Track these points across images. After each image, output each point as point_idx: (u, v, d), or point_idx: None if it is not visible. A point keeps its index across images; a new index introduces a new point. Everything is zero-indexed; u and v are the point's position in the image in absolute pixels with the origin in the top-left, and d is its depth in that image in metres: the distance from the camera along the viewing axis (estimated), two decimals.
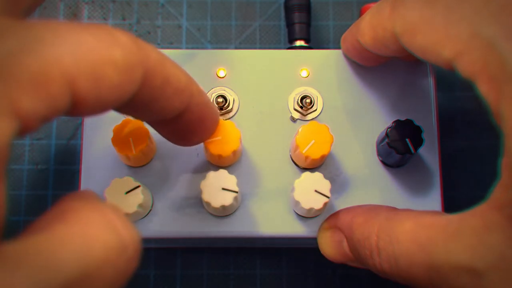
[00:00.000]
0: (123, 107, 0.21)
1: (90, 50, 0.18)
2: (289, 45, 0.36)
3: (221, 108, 0.31)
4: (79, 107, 0.18)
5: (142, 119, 0.24)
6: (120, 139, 0.29)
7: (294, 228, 0.30)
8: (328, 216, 0.29)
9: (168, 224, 0.30)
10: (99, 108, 0.19)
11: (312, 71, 0.32)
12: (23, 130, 0.16)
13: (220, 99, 0.31)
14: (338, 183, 0.31)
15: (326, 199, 0.28)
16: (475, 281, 0.21)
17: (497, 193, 0.21)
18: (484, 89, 0.21)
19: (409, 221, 0.24)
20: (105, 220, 0.18)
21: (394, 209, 0.27)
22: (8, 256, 0.15)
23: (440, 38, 0.22)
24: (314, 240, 0.30)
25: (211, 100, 0.31)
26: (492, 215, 0.21)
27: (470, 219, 0.21)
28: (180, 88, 0.22)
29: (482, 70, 0.21)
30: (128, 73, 0.19)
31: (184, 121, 0.24)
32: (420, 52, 0.24)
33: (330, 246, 0.29)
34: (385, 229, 0.24)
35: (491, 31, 0.20)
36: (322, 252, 0.29)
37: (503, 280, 0.20)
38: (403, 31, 0.25)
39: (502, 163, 0.21)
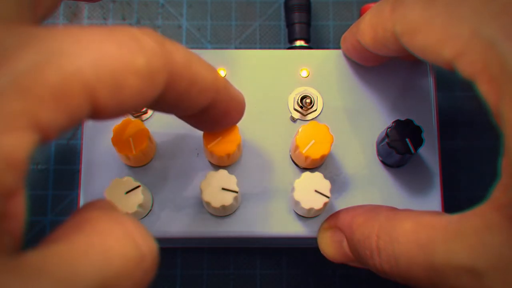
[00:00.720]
0: (147, 106, 0.21)
1: (111, 59, 0.18)
2: (289, 45, 0.36)
3: None
4: (99, 114, 0.18)
5: (168, 113, 0.24)
6: (120, 139, 0.29)
7: (294, 228, 0.30)
8: (328, 216, 0.29)
9: (168, 224, 0.30)
10: (120, 113, 0.19)
11: (312, 71, 0.32)
12: (43, 141, 0.17)
13: None
14: (338, 183, 0.31)
15: (326, 199, 0.28)
16: (475, 281, 0.21)
17: (497, 193, 0.21)
18: (484, 89, 0.21)
19: (409, 221, 0.24)
20: (124, 231, 0.18)
21: (394, 209, 0.27)
22: (29, 266, 0.15)
23: (440, 38, 0.22)
24: (314, 240, 0.30)
25: None
26: (492, 215, 0.21)
27: (470, 219, 0.21)
28: (205, 88, 0.22)
29: (482, 70, 0.21)
30: (150, 79, 0.19)
31: (209, 114, 0.24)
32: (420, 52, 0.24)
33: (330, 246, 0.29)
34: (385, 229, 0.24)
35: (491, 31, 0.20)
36: (322, 252, 0.29)
37: (503, 280, 0.20)
38: (403, 31, 0.25)
39: (502, 163, 0.21)
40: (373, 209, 0.27)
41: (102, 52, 0.17)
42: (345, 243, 0.28)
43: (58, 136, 0.17)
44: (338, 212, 0.29)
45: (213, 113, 0.24)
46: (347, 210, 0.29)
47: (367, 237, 0.25)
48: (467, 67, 0.21)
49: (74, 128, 0.18)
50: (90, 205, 0.19)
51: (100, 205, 0.20)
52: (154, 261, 0.19)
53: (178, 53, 0.21)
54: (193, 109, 0.23)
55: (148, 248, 0.19)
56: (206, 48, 0.39)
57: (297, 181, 0.28)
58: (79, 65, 0.17)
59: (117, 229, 0.18)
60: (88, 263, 0.17)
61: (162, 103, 0.21)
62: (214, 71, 0.23)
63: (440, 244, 0.22)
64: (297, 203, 0.28)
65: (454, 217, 0.22)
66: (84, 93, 0.17)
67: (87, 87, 0.17)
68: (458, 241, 0.21)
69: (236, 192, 0.28)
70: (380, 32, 0.26)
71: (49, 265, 0.16)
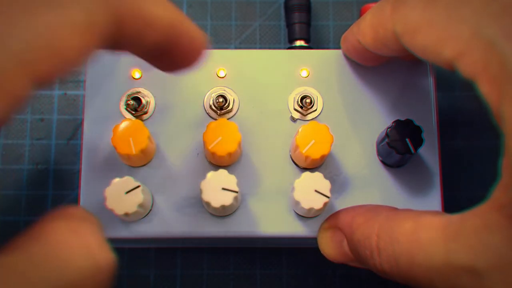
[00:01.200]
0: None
1: (46, 32, 0.17)
2: (289, 45, 0.36)
3: (221, 108, 0.31)
4: (43, 85, 0.18)
5: (121, 51, 0.23)
6: (120, 139, 0.29)
7: (294, 228, 0.30)
8: (328, 216, 0.29)
9: (168, 224, 0.30)
10: (64, 73, 0.18)
11: (312, 71, 0.32)
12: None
13: (220, 99, 0.31)
14: (338, 183, 0.31)
15: (326, 199, 0.28)
16: (476, 281, 0.21)
17: (497, 193, 0.21)
18: (485, 89, 0.21)
19: (409, 221, 0.24)
20: (81, 244, 0.18)
21: (394, 209, 0.27)
22: None
23: (441, 38, 0.22)
24: (314, 240, 0.30)
25: (212, 100, 0.31)
26: (492, 215, 0.21)
27: (470, 219, 0.21)
28: (160, 26, 0.21)
29: (483, 70, 0.21)
30: (90, 34, 0.18)
31: (165, 52, 0.23)
32: (421, 52, 0.24)
33: (330, 246, 0.29)
34: (386, 229, 0.24)
35: (492, 31, 0.20)
36: (322, 252, 0.29)
37: (503, 280, 0.20)
38: (403, 31, 0.25)
39: (502, 163, 0.21)
40: (373, 209, 0.27)
41: (35, 28, 0.17)
42: (345, 243, 0.28)
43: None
44: (338, 212, 0.29)
45: (169, 51, 0.23)
46: (347, 210, 0.29)
47: (367, 237, 0.25)
48: (467, 67, 0.21)
49: (19, 108, 0.18)
50: (54, 215, 0.19)
51: (64, 215, 0.20)
52: (110, 273, 0.19)
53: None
54: (146, 47, 0.22)
55: (105, 261, 0.19)
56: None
57: (297, 181, 0.28)
58: (14, 49, 0.16)
59: (73, 240, 0.18)
60: (40, 274, 0.17)
61: (112, 45, 0.20)
62: (169, 7, 0.22)
63: (440, 244, 0.22)
64: (297, 203, 0.28)
65: (454, 217, 0.22)
66: (24, 76, 0.17)
67: (27, 68, 0.17)
68: (458, 241, 0.21)
69: (236, 192, 0.28)
70: (380, 32, 0.26)
71: (0, 275, 0.16)
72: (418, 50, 0.24)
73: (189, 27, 0.23)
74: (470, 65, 0.21)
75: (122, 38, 0.20)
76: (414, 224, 0.23)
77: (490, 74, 0.20)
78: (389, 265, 0.24)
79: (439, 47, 0.23)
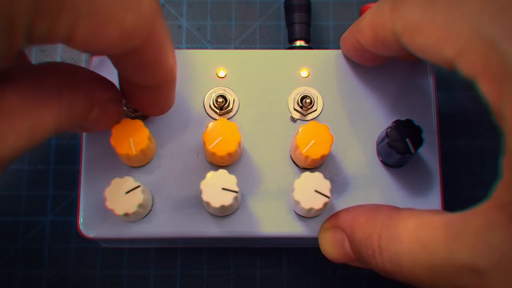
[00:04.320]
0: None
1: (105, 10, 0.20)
2: (289, 45, 0.36)
3: (221, 108, 0.31)
4: (70, 42, 0.20)
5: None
6: (120, 139, 0.29)
7: (294, 228, 0.30)
8: (329, 216, 0.29)
9: (168, 224, 0.30)
10: (86, 50, 0.21)
11: (312, 71, 0.32)
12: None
13: (220, 99, 0.31)
14: (338, 183, 0.31)
15: (326, 199, 0.28)
16: (477, 280, 0.21)
17: (498, 192, 0.21)
18: (485, 88, 0.21)
19: (411, 220, 0.24)
20: None
21: (395, 208, 0.27)
22: None
23: (441, 37, 0.22)
24: (314, 240, 0.30)
25: (212, 100, 0.31)
26: (493, 214, 0.21)
27: (472, 218, 0.21)
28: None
29: (483, 69, 0.21)
30: (127, 39, 0.21)
31: (136, 58, 0.23)
32: (421, 52, 0.24)
33: (332, 246, 0.29)
34: (387, 228, 0.24)
35: (493, 30, 0.20)
36: (323, 252, 0.29)
37: (504, 278, 0.20)
38: (403, 30, 0.25)
39: (503, 162, 0.21)
40: (374, 209, 0.27)
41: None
42: (346, 243, 0.28)
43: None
44: (339, 212, 0.29)
45: (139, 57, 0.23)
46: (348, 209, 0.29)
47: (368, 236, 0.25)
48: (468, 66, 0.21)
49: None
50: None
51: None
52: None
53: (161, 27, 0.23)
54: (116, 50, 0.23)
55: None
56: (206, 48, 0.39)
57: (297, 181, 0.28)
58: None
59: None
60: None
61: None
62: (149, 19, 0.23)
63: (441, 243, 0.22)
64: (297, 203, 0.28)
65: (456, 216, 0.22)
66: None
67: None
68: (459, 240, 0.21)
69: (236, 192, 0.28)
70: (380, 32, 0.26)
71: None
72: (418, 50, 0.24)
73: (162, 39, 0.24)
74: (471, 64, 0.21)
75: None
76: (416, 223, 0.23)
77: (491, 73, 0.20)
78: (391, 264, 0.24)
79: (439, 46, 0.23)
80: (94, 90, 0.25)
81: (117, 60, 0.24)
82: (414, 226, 0.23)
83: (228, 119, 0.31)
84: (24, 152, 0.22)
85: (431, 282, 0.22)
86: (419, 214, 0.24)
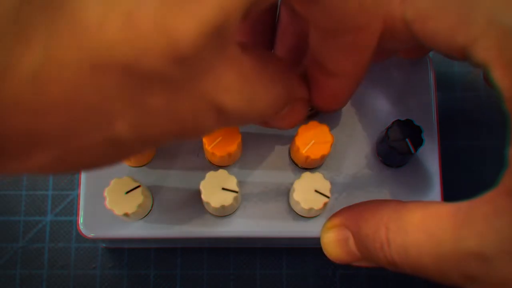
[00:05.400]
0: None
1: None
2: None
3: None
4: None
5: None
6: None
7: (294, 228, 0.30)
8: (331, 216, 0.29)
9: (168, 224, 0.30)
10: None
11: None
12: None
13: None
14: (338, 183, 0.31)
15: (326, 199, 0.28)
16: (484, 266, 0.20)
17: (506, 179, 0.21)
18: (498, 75, 0.21)
19: (417, 212, 0.24)
20: None
21: (401, 201, 0.27)
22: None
23: (454, 24, 0.22)
24: (314, 240, 0.30)
25: None
26: (501, 200, 0.20)
27: (479, 205, 0.21)
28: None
29: (497, 56, 0.21)
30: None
31: None
32: (431, 40, 0.24)
33: (335, 245, 0.28)
34: (394, 220, 0.24)
35: (508, 19, 0.20)
36: (326, 253, 0.29)
37: (511, 264, 0.20)
38: (414, 17, 0.24)
39: (510, 151, 0.21)
40: (380, 203, 0.27)
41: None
42: (351, 241, 0.27)
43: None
44: (341, 210, 0.29)
45: (354, 40, 0.24)
46: (351, 207, 0.28)
47: (376, 230, 0.25)
48: (481, 53, 0.21)
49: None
50: None
51: None
52: None
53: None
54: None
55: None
56: None
57: (297, 181, 0.28)
58: None
59: None
60: None
61: None
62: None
63: (449, 231, 0.22)
64: (297, 203, 0.28)
65: (463, 204, 0.22)
66: None
67: None
68: (466, 227, 0.21)
69: (236, 192, 0.28)
70: (388, 21, 0.26)
71: None
72: (429, 38, 0.24)
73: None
74: (484, 51, 0.21)
75: None
76: (423, 214, 0.23)
77: (505, 60, 0.20)
78: (398, 256, 0.24)
79: (452, 34, 0.22)
80: (297, 85, 0.25)
81: (325, 37, 0.23)
82: (421, 217, 0.23)
83: None
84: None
85: (439, 272, 0.22)
86: (425, 205, 0.24)
